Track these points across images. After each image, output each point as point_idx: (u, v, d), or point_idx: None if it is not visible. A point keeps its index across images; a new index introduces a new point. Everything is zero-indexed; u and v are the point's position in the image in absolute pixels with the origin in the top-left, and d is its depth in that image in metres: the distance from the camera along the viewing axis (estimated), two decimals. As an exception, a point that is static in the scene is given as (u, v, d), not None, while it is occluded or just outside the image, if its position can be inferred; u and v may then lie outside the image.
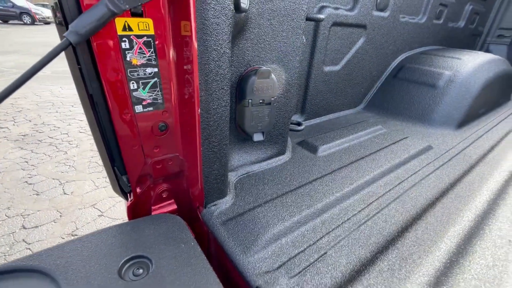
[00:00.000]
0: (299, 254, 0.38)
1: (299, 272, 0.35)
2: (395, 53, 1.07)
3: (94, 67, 0.32)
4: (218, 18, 0.33)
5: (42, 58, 0.28)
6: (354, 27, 0.82)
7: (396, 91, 0.99)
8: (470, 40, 1.65)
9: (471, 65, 0.95)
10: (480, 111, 0.99)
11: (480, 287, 0.37)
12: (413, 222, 0.47)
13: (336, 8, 0.75)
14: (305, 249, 0.38)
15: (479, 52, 1.13)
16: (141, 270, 0.32)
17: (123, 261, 0.33)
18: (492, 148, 0.76)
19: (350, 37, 0.83)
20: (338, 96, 0.92)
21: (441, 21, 1.19)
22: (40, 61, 0.28)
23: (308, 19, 0.60)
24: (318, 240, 0.40)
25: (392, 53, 1.05)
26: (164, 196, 0.47)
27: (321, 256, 0.38)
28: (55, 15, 0.32)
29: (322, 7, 0.72)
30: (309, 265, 0.36)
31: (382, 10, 0.87)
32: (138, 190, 0.42)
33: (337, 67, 0.85)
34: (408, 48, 1.12)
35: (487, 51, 1.75)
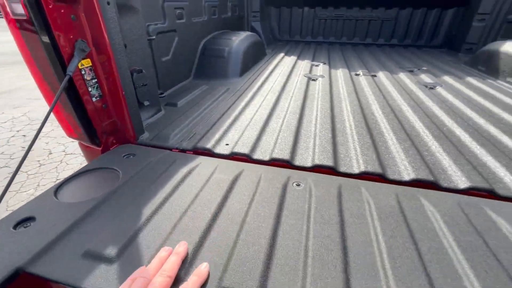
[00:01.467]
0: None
1: None
2: (199, 40, 1.75)
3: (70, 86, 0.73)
4: (119, 50, 0.82)
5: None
6: (170, 32, 1.39)
7: (206, 64, 1.70)
8: (240, 22, 2.63)
9: (236, 41, 1.79)
10: (249, 65, 1.89)
11: None
12: None
13: (156, 24, 1.28)
14: None
15: (241, 32, 2.02)
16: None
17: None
18: (257, 80, 1.64)
19: (170, 37, 1.40)
20: (176, 74, 1.51)
21: (216, 16, 1.98)
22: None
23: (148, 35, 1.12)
24: None
25: (197, 41, 1.72)
26: (114, 142, 0.91)
27: None
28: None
29: (149, 25, 1.24)
30: None
31: (180, 19, 1.48)
32: (102, 140, 0.86)
33: (169, 57, 1.41)
34: (206, 35, 1.83)
35: (252, 27, 2.84)
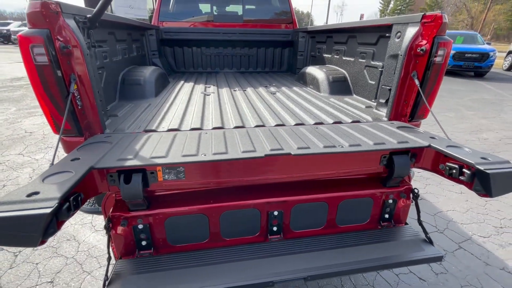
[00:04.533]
0: None
1: None
2: (118, 73, 2.33)
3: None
4: (94, 79, 1.41)
5: None
6: (101, 68, 1.96)
7: (127, 90, 2.30)
8: (143, 59, 3.30)
9: (147, 73, 2.47)
10: (160, 89, 2.60)
11: None
12: None
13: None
14: None
15: (148, 66, 2.72)
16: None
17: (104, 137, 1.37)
18: (170, 97, 2.36)
19: (102, 72, 1.97)
20: (107, 97, 2.06)
21: (127, 56, 2.61)
22: None
23: None
24: None
25: (116, 74, 2.31)
26: (89, 135, 1.45)
27: None
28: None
29: None
30: None
31: (106, 59, 2.07)
32: (85, 133, 1.40)
33: (102, 85, 1.97)
34: (122, 69, 2.43)
35: (153, 62, 3.54)
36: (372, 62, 2.27)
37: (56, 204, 0.81)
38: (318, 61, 3.44)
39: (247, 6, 4.11)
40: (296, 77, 3.48)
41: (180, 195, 1.33)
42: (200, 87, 2.86)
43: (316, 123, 1.72)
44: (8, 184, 3.12)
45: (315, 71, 2.88)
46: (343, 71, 2.75)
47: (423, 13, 1.57)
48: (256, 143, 1.32)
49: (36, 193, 0.86)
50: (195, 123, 1.67)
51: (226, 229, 1.34)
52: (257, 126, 1.67)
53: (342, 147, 1.29)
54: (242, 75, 3.89)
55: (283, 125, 1.69)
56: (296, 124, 1.70)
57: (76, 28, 1.34)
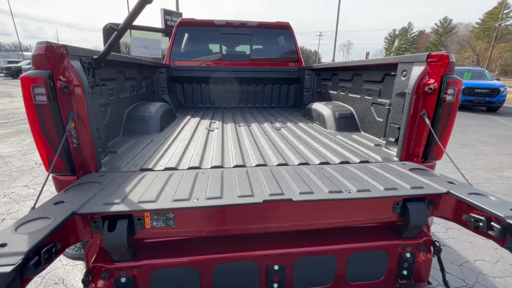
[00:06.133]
0: None
1: None
2: (124, 109, 2.37)
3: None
4: (93, 117, 1.40)
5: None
6: (106, 105, 1.99)
7: (132, 125, 2.31)
8: (152, 95, 3.40)
9: (153, 109, 2.51)
10: (165, 124, 2.61)
11: None
12: None
13: (99, 100, 1.88)
14: None
15: (155, 102, 2.77)
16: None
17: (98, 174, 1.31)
18: (173, 133, 2.34)
19: (106, 108, 1.99)
20: (111, 133, 2.06)
21: (135, 92, 2.68)
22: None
23: None
24: None
25: (122, 110, 2.35)
26: (82, 174, 1.40)
27: None
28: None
29: None
30: None
31: (112, 96, 2.11)
32: (78, 172, 1.35)
33: (105, 121, 1.98)
34: (129, 105, 2.47)
35: (162, 98, 3.64)
36: (379, 100, 2.22)
37: (20, 261, 0.71)
38: (324, 97, 3.44)
39: (254, 46, 4.31)
40: (302, 112, 3.47)
41: (169, 244, 1.21)
42: (205, 123, 2.86)
43: (321, 163, 1.62)
44: (8, 218, 3.06)
45: (321, 107, 2.85)
46: (350, 107, 2.71)
47: (428, 53, 1.54)
48: (255, 185, 1.22)
49: (3, 245, 0.77)
50: (194, 162, 1.60)
51: (219, 284, 1.18)
52: (258, 165, 1.58)
53: (349, 192, 1.16)
54: (248, 110, 3.92)
55: (286, 164, 1.60)
56: (300, 164, 1.60)
57: (81, 68, 1.36)
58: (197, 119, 3.09)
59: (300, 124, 2.87)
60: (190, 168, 1.52)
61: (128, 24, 1.34)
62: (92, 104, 1.43)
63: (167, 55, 3.95)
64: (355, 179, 1.31)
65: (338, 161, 1.65)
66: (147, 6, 1.31)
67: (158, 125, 2.41)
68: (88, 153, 1.41)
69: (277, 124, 2.85)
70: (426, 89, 1.52)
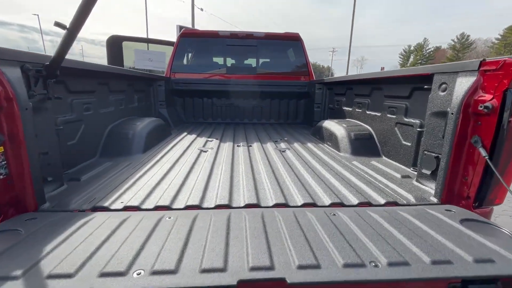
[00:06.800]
0: None
1: None
2: (106, 125, 2.08)
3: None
4: (31, 139, 1.09)
5: None
6: (77, 122, 1.69)
7: (111, 144, 2.00)
8: (148, 109, 3.13)
9: (140, 126, 2.20)
10: (153, 143, 2.29)
11: None
12: None
13: (64, 116, 1.58)
14: None
15: (146, 118, 2.48)
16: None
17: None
18: (157, 154, 2.01)
19: (77, 125, 1.70)
20: (82, 154, 1.75)
21: (123, 107, 2.40)
22: None
23: (56, 125, 1.41)
24: None
25: (103, 127, 2.05)
26: (13, 213, 1.06)
27: None
28: None
29: (57, 117, 1.52)
30: None
31: (88, 111, 1.82)
32: (3, 211, 1.01)
33: (74, 141, 1.67)
34: (113, 121, 2.18)
35: (159, 112, 3.37)
36: (406, 119, 1.80)
37: None
38: (337, 114, 3.04)
39: (261, 59, 4.02)
40: (312, 130, 3.07)
41: None
42: (201, 141, 2.52)
43: (332, 204, 1.21)
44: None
45: (333, 126, 2.45)
46: (368, 127, 2.29)
47: (481, 59, 1.13)
48: (233, 248, 0.83)
49: None
50: (164, 199, 1.23)
51: None
52: (247, 206, 1.19)
53: (375, 265, 0.75)
54: (253, 126, 3.57)
55: (285, 205, 1.20)
56: (304, 205, 1.20)
57: (19, 77, 1.06)
58: (194, 136, 2.76)
59: (309, 144, 2.47)
60: (156, 208, 1.15)
61: (78, 22, 1.04)
62: (35, 122, 1.12)
63: (168, 67, 3.72)
64: (383, 238, 0.89)
65: (356, 201, 1.24)
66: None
67: (142, 145, 2.09)
68: (23, 185, 1.08)
69: (282, 145, 2.46)
70: (479, 108, 1.10)
